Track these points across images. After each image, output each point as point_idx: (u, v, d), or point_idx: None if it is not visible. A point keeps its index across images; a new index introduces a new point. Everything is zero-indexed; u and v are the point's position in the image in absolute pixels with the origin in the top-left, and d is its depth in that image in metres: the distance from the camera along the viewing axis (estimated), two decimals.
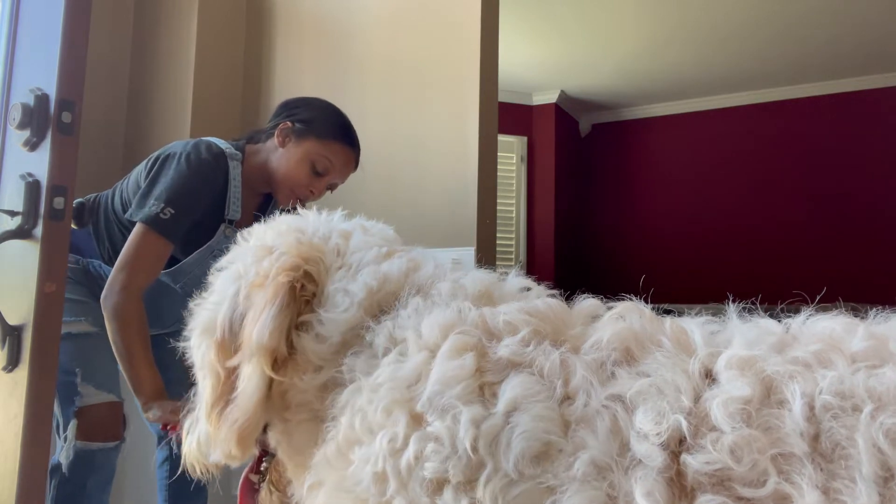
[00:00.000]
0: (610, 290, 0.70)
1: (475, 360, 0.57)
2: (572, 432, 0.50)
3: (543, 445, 0.50)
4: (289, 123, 1.61)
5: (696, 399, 0.49)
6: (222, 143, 1.60)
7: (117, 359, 1.42)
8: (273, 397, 0.71)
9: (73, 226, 1.53)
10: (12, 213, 1.20)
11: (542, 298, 0.65)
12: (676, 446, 0.47)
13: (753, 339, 0.52)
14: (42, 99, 1.19)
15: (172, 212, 1.45)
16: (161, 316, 1.63)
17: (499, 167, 2.41)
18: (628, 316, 0.59)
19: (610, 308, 0.61)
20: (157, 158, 1.54)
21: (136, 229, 1.46)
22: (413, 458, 0.54)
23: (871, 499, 0.40)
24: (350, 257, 0.74)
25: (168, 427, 1.35)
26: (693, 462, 0.45)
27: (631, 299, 0.62)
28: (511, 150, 5.22)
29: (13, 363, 1.18)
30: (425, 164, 2.12)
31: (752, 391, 0.46)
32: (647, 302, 0.60)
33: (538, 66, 4.66)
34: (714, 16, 3.85)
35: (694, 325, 0.56)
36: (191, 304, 0.80)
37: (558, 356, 0.55)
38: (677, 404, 0.48)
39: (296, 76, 2.51)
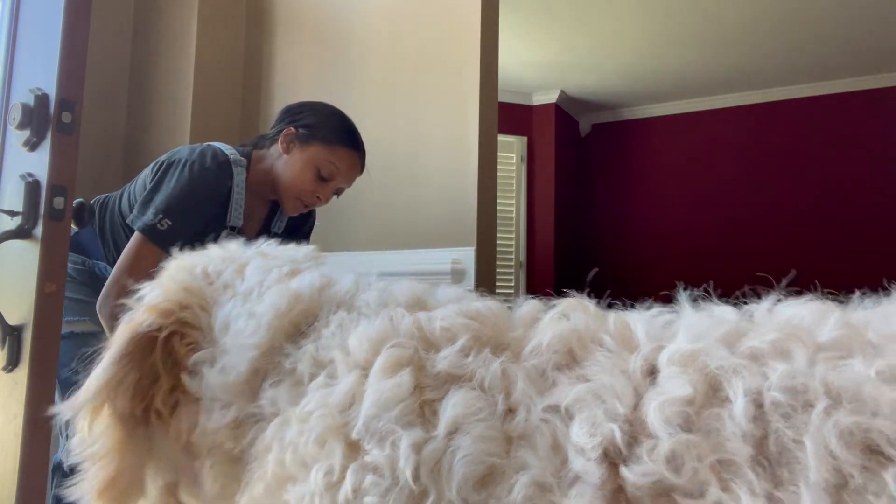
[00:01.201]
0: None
1: (413, 376, 0.51)
2: (514, 451, 0.46)
3: (487, 468, 0.46)
4: (292, 129, 1.60)
5: (637, 402, 0.44)
6: (228, 150, 1.58)
7: None
8: (172, 453, 0.65)
9: (73, 226, 1.53)
10: (12, 213, 1.20)
11: (482, 300, 0.60)
12: (616, 457, 0.42)
13: (702, 329, 0.46)
14: (42, 99, 1.19)
15: (170, 223, 1.43)
16: None
17: (499, 167, 2.41)
18: (572, 314, 0.53)
19: (552, 307, 0.56)
20: (162, 163, 1.53)
21: (134, 238, 1.45)
22: (351, 491, 0.49)
23: None
24: (243, 286, 0.67)
25: None
26: (629, 475, 0.41)
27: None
28: (511, 150, 5.22)
29: (13, 363, 1.18)
30: (425, 164, 2.12)
31: (693, 390, 0.41)
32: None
33: (538, 66, 4.66)
34: (714, 16, 3.85)
35: (638, 318, 0.51)
36: None
37: (499, 366, 0.50)
38: (613, 411, 0.43)
39: (296, 76, 2.51)
